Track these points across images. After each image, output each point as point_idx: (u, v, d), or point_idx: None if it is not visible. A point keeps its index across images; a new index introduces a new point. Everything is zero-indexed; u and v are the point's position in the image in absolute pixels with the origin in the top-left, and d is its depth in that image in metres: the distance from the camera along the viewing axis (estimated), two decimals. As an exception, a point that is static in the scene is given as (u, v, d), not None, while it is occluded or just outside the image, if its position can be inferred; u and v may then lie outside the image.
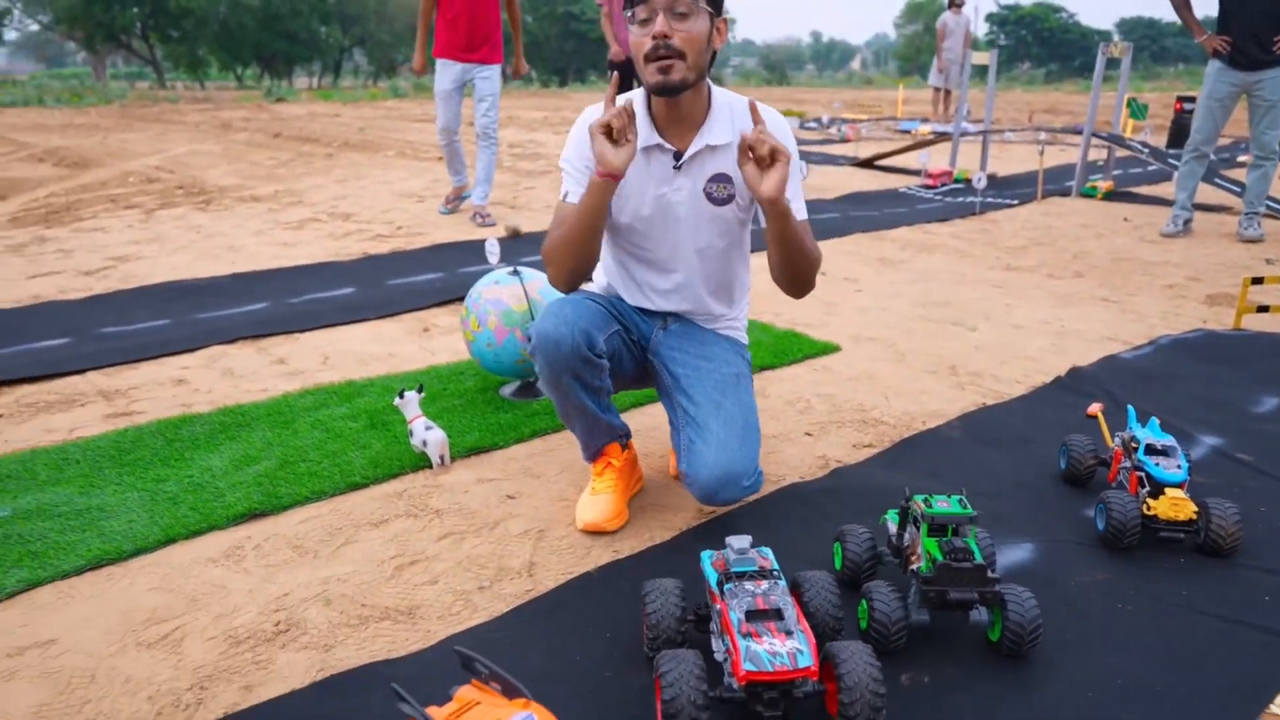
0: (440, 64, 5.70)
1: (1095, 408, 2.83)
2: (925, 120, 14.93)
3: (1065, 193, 7.38)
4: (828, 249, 5.21)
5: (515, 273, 2.86)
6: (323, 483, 2.34)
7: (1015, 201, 6.96)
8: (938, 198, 7.20)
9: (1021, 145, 11.58)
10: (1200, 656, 1.68)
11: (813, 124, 14.60)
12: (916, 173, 8.25)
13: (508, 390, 2.97)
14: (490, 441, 2.60)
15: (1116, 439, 2.29)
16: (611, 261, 2.24)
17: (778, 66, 68.20)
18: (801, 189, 2.07)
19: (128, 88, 30.05)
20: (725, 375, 2.10)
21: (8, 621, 1.81)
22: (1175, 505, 2.00)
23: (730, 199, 2.07)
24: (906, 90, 23.14)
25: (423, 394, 2.51)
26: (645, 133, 2.02)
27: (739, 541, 1.66)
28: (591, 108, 2.06)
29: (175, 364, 3.23)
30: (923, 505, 1.76)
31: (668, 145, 2.03)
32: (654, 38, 1.87)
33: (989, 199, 6.95)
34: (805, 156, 9.86)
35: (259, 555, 2.04)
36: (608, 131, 1.85)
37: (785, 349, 3.40)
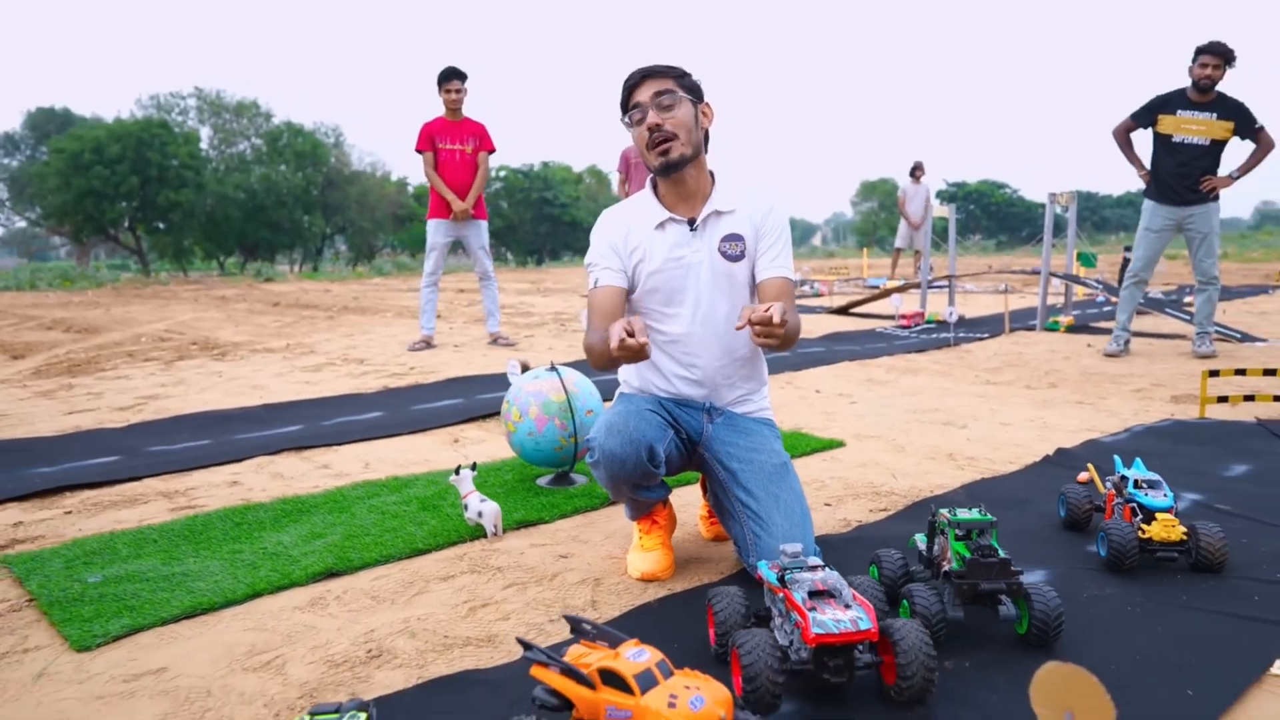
0: (433, 223, 6.82)
1: (1085, 475, 3.10)
2: (889, 279, 15.74)
3: (1030, 329, 7.89)
4: (816, 376, 5.55)
5: (553, 368, 3.15)
6: (388, 549, 2.53)
7: (986, 335, 7.44)
8: (913, 335, 7.66)
9: (984, 295, 12.27)
10: (1203, 638, 1.90)
11: (785, 285, 15.32)
12: (890, 317, 8.77)
13: (544, 480, 3.19)
14: (537, 517, 2.81)
15: (1108, 483, 2.56)
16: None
17: (743, 243, 71.16)
18: (788, 251, 2.37)
19: (117, 275, 30.86)
20: (776, 465, 2.29)
21: (117, 658, 1.96)
22: (1167, 528, 2.25)
23: (742, 255, 2.34)
24: (870, 258, 24.38)
25: (476, 471, 2.74)
26: (656, 211, 2.33)
27: (791, 547, 1.88)
28: (609, 210, 2.41)
29: (227, 471, 3.43)
30: (949, 514, 2.00)
31: (679, 216, 2.33)
32: (649, 129, 2.23)
33: (960, 334, 7.42)
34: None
35: (341, 604, 2.22)
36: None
37: (793, 445, 3.66)
